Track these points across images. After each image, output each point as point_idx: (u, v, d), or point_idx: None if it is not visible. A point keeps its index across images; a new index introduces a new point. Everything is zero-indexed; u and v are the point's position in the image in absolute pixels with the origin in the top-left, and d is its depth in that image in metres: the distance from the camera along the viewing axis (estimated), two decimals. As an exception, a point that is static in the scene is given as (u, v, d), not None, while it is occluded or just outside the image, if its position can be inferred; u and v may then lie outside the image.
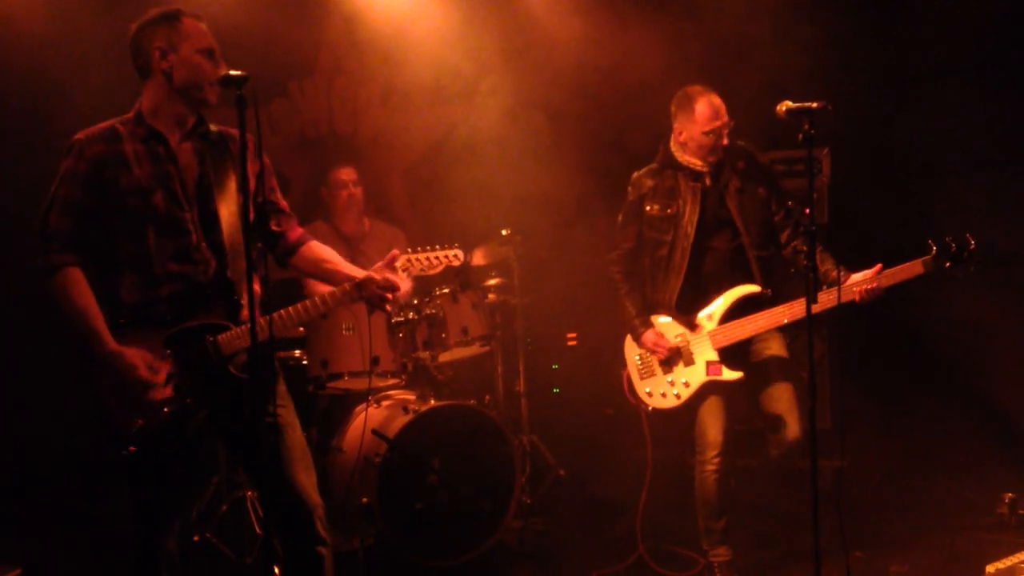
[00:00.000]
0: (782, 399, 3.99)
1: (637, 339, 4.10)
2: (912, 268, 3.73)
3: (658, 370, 4.08)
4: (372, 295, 3.04)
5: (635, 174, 4.16)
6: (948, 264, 3.68)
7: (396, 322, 4.55)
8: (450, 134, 6.16)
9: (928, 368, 5.65)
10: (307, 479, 3.01)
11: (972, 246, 3.69)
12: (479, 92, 5.86)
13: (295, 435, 3.05)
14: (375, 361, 4.50)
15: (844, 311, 3.75)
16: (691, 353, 4.01)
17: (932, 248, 3.71)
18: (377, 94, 6.22)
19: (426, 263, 3.19)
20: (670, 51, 5.57)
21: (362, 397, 4.62)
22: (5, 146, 4.94)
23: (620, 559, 4.36)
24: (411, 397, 4.68)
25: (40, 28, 4.91)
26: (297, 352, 4.72)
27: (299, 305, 3.04)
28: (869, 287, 3.73)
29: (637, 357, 4.15)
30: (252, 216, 3.06)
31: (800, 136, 3.24)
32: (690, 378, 4.01)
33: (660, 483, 4.42)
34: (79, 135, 2.98)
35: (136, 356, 2.86)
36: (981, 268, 3.70)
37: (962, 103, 5.47)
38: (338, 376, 4.52)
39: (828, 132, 4.01)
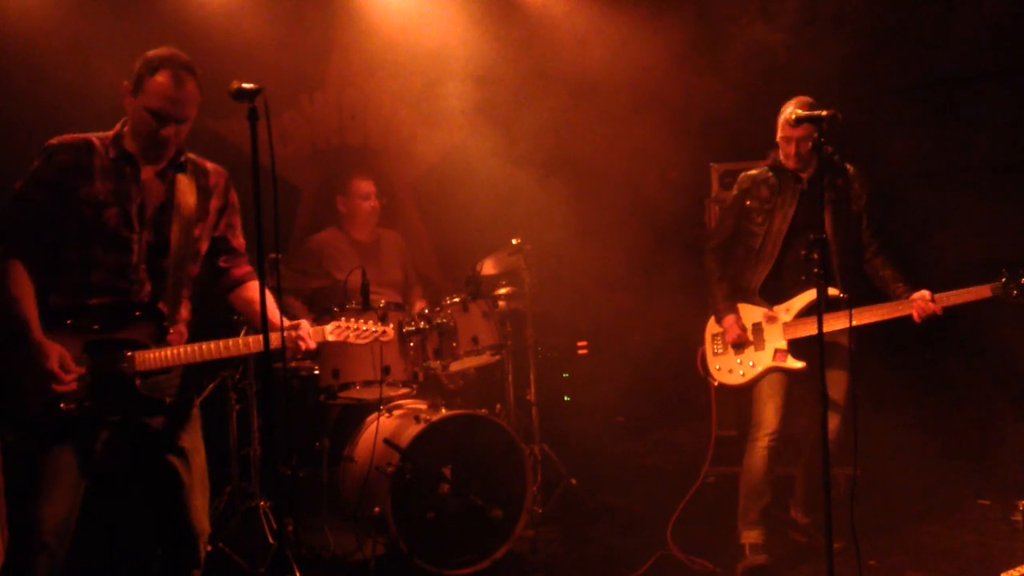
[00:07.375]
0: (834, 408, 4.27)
1: (719, 320, 4.42)
2: (979, 292, 3.99)
3: (730, 350, 4.41)
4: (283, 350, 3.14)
5: (742, 174, 4.47)
6: (1015, 292, 3.92)
7: (407, 332, 4.55)
8: (459, 144, 6.18)
9: (943, 376, 5.63)
10: (201, 504, 3.15)
11: None
12: (488, 102, 5.88)
13: (198, 460, 3.17)
14: (386, 371, 4.50)
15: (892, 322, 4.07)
16: (763, 340, 4.32)
17: (1003, 275, 3.94)
18: (386, 105, 6.25)
19: (354, 335, 3.41)
20: (683, 56, 5.59)
21: (374, 407, 4.63)
22: (10, 145, 4.96)
23: (632, 567, 4.35)
24: (422, 406, 4.69)
25: (46, 26, 4.95)
26: (308, 362, 4.74)
27: (212, 344, 3.13)
28: (932, 307, 4.01)
29: (714, 336, 4.48)
30: (205, 248, 3.24)
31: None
32: (757, 360, 4.32)
33: (673, 491, 4.42)
34: (53, 140, 3.06)
35: (54, 350, 2.93)
36: None
37: (968, 110, 5.47)
38: (349, 386, 4.52)
39: (837, 139, 4.07)
